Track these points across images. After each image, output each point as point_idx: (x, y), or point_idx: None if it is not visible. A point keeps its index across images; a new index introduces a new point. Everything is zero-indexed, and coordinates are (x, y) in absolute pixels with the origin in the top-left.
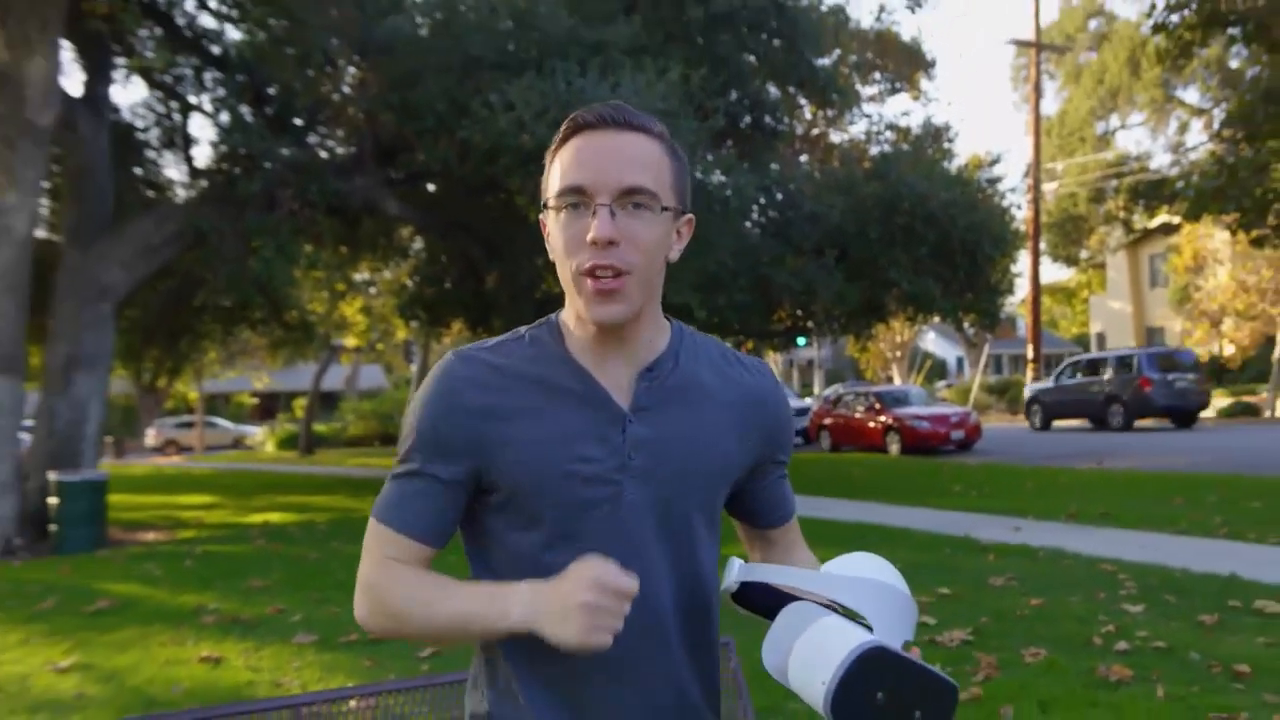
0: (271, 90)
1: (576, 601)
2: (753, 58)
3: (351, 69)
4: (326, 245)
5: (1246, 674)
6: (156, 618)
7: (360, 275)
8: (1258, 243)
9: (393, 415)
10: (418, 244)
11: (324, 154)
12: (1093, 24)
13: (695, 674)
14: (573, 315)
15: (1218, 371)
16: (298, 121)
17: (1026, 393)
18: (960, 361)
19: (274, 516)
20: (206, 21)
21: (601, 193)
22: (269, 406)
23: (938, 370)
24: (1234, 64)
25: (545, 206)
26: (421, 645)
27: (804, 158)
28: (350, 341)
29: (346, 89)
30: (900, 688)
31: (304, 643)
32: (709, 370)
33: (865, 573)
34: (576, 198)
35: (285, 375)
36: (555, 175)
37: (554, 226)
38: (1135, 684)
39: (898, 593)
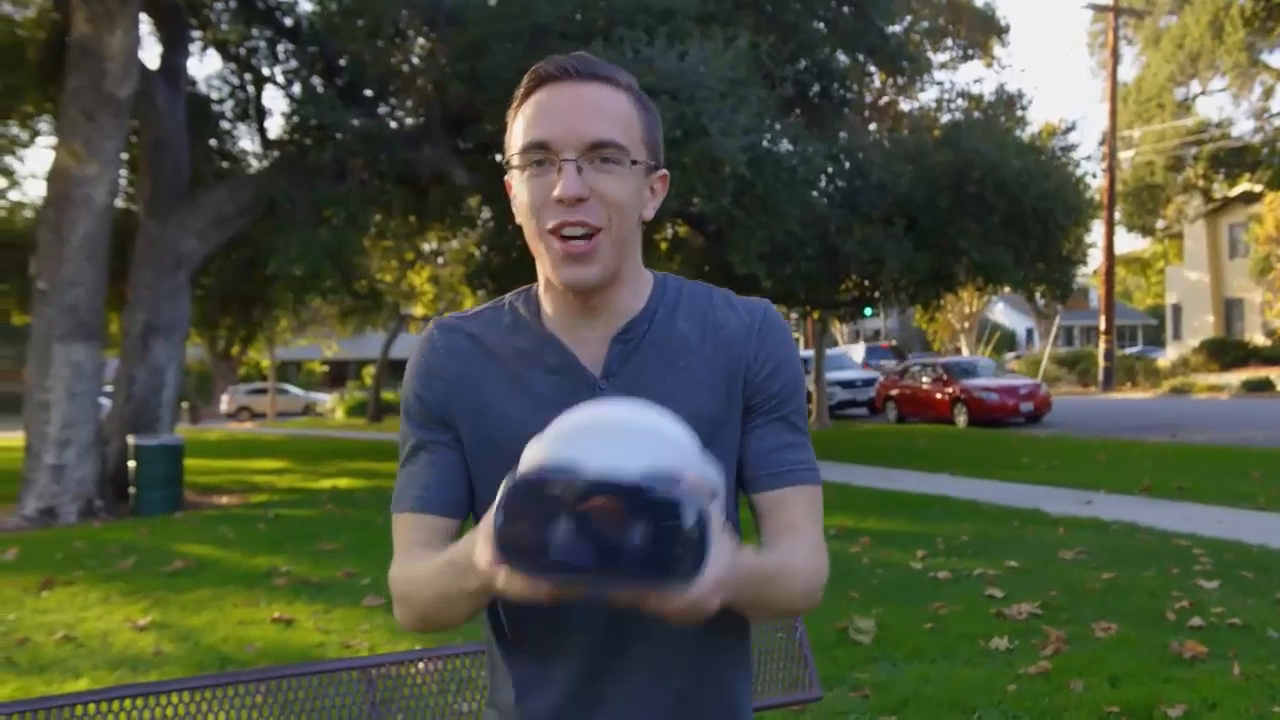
0: (342, 62)
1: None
2: (822, 25)
3: (420, 40)
4: (395, 214)
5: None
6: (230, 579)
7: (428, 244)
8: None
9: None
10: (486, 213)
11: (393, 124)
12: None
13: (695, 658)
14: (545, 285)
15: None
16: (368, 92)
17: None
18: (1030, 333)
19: (343, 482)
20: None
21: (567, 148)
22: (339, 374)
23: (1007, 341)
24: None
25: (508, 166)
26: None
27: (873, 126)
28: (419, 310)
29: (415, 60)
30: (590, 507)
31: (372, 606)
32: (690, 322)
33: (575, 419)
34: (541, 154)
35: (355, 343)
36: (518, 132)
37: (518, 186)
38: (1210, 661)
39: (611, 425)
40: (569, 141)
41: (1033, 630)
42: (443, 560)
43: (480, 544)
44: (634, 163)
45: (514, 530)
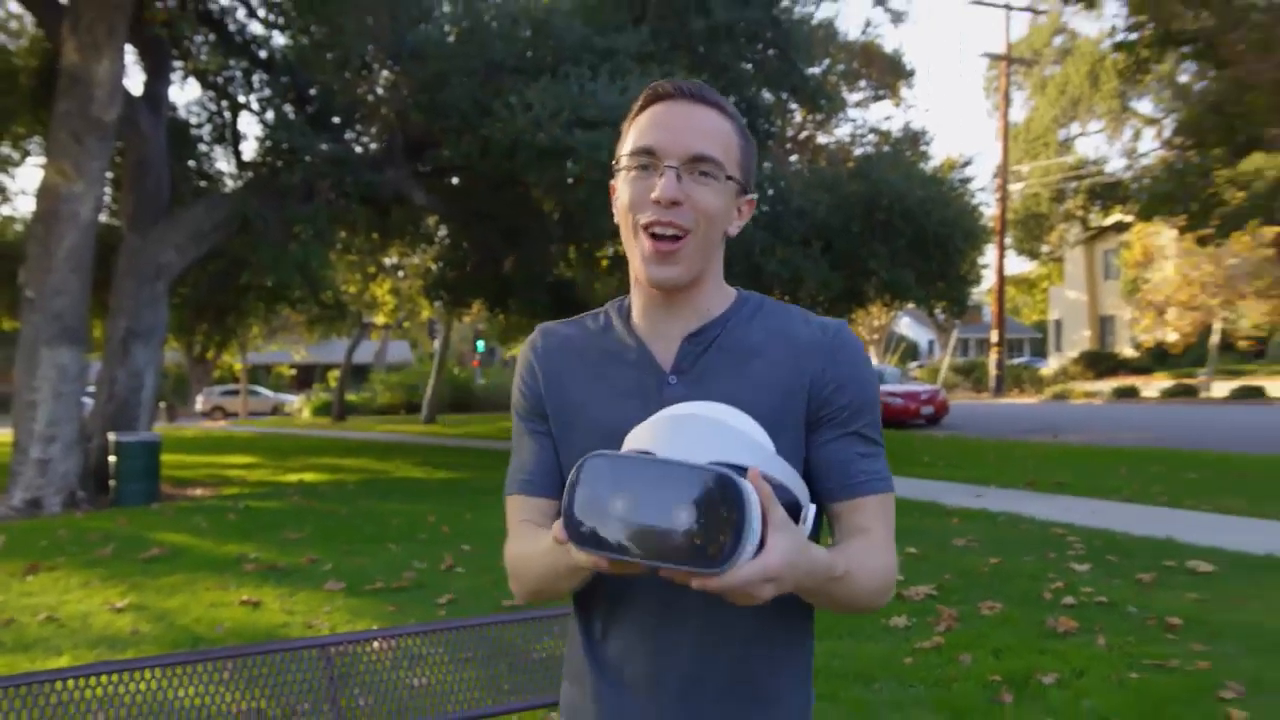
0: (312, 91)
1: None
2: (749, 65)
3: (385, 72)
4: (359, 232)
5: (1178, 625)
6: (203, 565)
7: (390, 259)
8: (1202, 241)
9: (418, 386)
10: (442, 231)
11: (358, 149)
12: (1057, 40)
13: (746, 635)
14: (638, 288)
15: (1162, 356)
16: (335, 119)
17: None
18: (931, 344)
19: (309, 476)
20: (255, 28)
21: (670, 156)
22: (306, 377)
23: (911, 352)
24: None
25: (616, 169)
26: (440, 593)
27: (794, 158)
28: (380, 319)
29: (380, 90)
30: (643, 489)
31: (333, 590)
32: (764, 332)
33: (668, 411)
34: (647, 159)
35: (321, 349)
36: (629, 139)
37: (622, 184)
38: (1079, 635)
39: (693, 419)
40: (673, 150)
41: (928, 609)
42: (548, 542)
43: (556, 525)
44: (728, 178)
45: (577, 506)
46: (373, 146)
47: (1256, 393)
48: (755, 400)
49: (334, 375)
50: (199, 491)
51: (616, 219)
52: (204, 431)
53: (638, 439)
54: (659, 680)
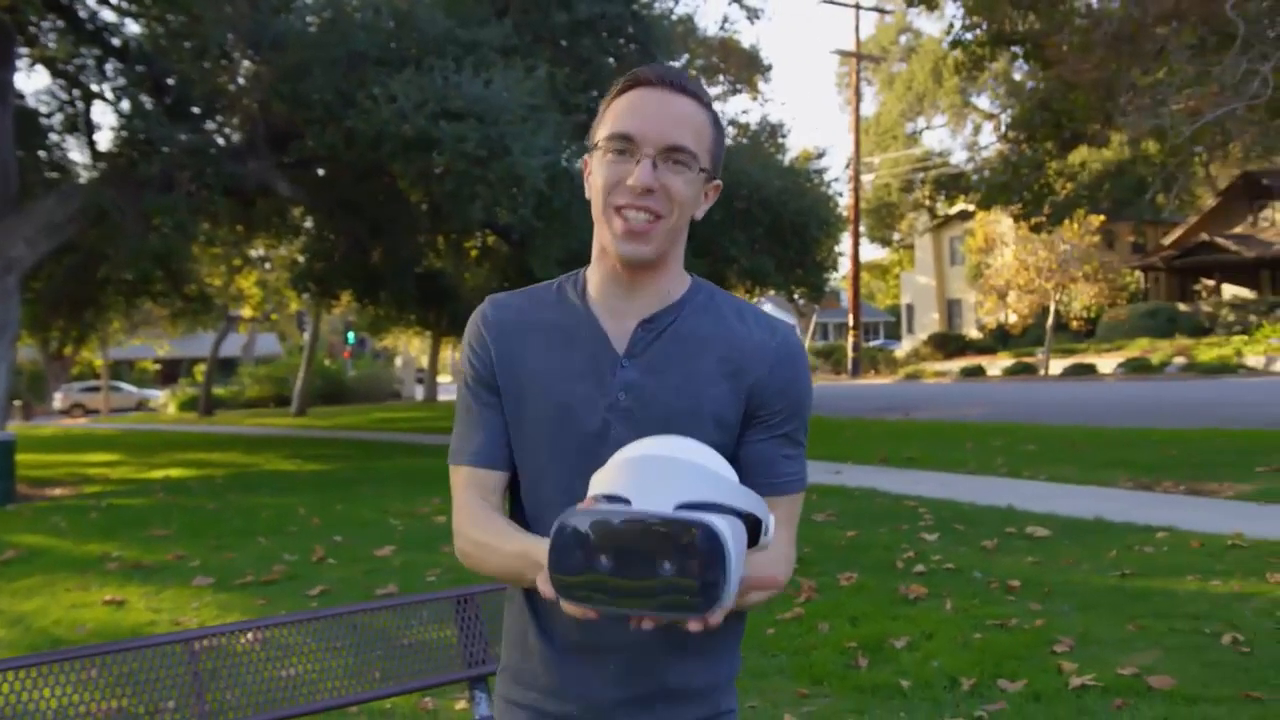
0: (170, 80)
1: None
2: (611, 59)
3: (246, 62)
4: (223, 223)
5: (1017, 588)
6: (62, 566)
7: (255, 251)
8: (1036, 229)
9: (287, 379)
10: (308, 223)
11: (220, 140)
12: (903, 39)
13: (665, 642)
14: (599, 265)
15: (1004, 337)
16: (195, 109)
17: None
18: (792, 329)
19: (175, 472)
20: (107, 15)
21: (647, 144)
22: (171, 372)
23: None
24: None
25: (593, 147)
26: (311, 585)
27: None
28: (247, 312)
29: (241, 80)
30: (625, 544)
31: (202, 585)
32: (714, 324)
33: (624, 454)
34: (624, 144)
35: (186, 343)
36: (607, 121)
37: (597, 166)
38: (929, 600)
39: (656, 460)
40: (651, 139)
41: (790, 583)
42: (518, 549)
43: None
44: (701, 170)
45: (562, 567)
46: (235, 137)
47: (1088, 369)
48: (701, 392)
49: (200, 369)
50: (58, 491)
51: (588, 194)
52: (63, 429)
53: (606, 482)
54: (608, 644)
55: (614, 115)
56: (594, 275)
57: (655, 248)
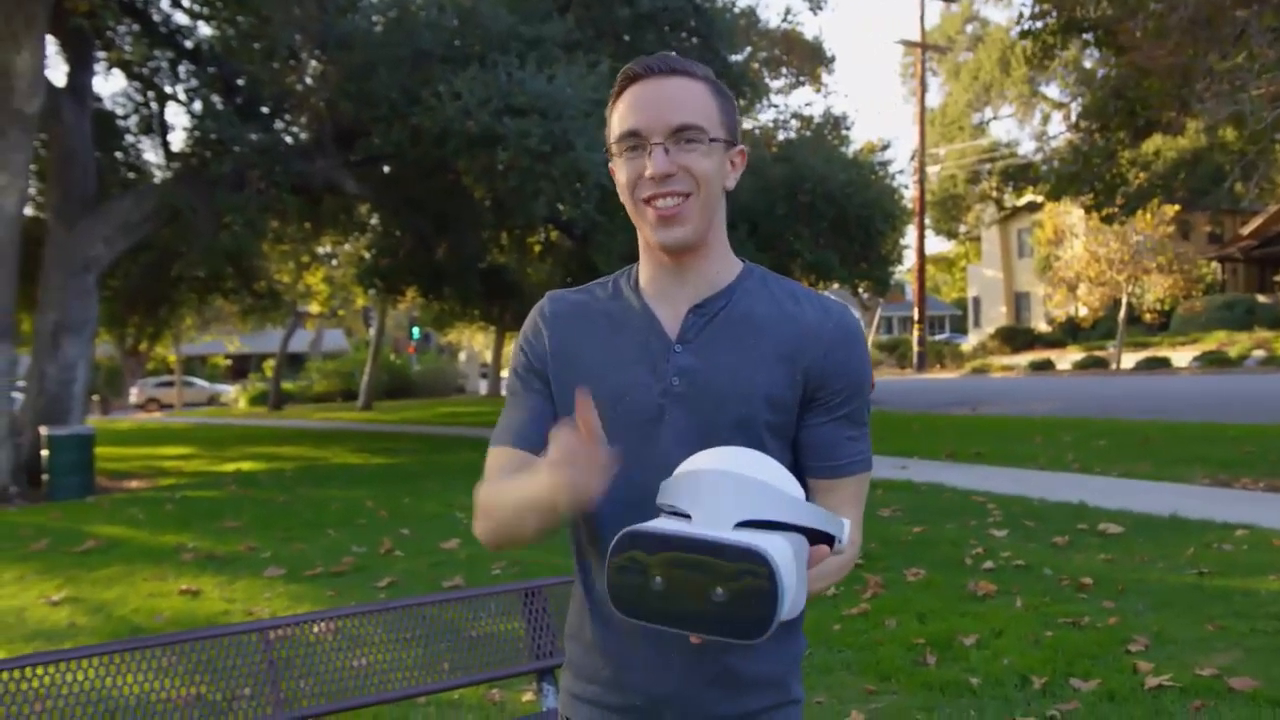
0: (240, 81)
1: (549, 464)
2: (673, 54)
3: (313, 61)
4: (291, 221)
5: (1089, 585)
6: (140, 556)
7: (323, 248)
8: (1107, 220)
9: (353, 373)
10: (374, 219)
11: (288, 139)
12: (969, 28)
13: None
14: (647, 256)
15: (1074, 330)
16: (264, 109)
17: None
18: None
19: (246, 465)
20: (180, 18)
21: (655, 133)
22: (241, 367)
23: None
24: (1088, 64)
25: (610, 155)
26: (379, 576)
27: None
28: (314, 308)
29: (308, 80)
30: (680, 566)
31: (273, 576)
32: (768, 306)
33: (690, 465)
34: (634, 141)
35: (255, 339)
36: (614, 125)
37: (618, 169)
38: (998, 597)
39: (719, 475)
40: (656, 128)
41: (855, 578)
42: (522, 496)
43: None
44: (713, 140)
45: (617, 581)
46: (302, 136)
47: (1162, 363)
48: (757, 374)
49: (269, 365)
50: (135, 483)
51: (621, 198)
52: (139, 424)
53: (670, 493)
54: (668, 634)
55: (618, 117)
56: (644, 268)
57: (693, 227)
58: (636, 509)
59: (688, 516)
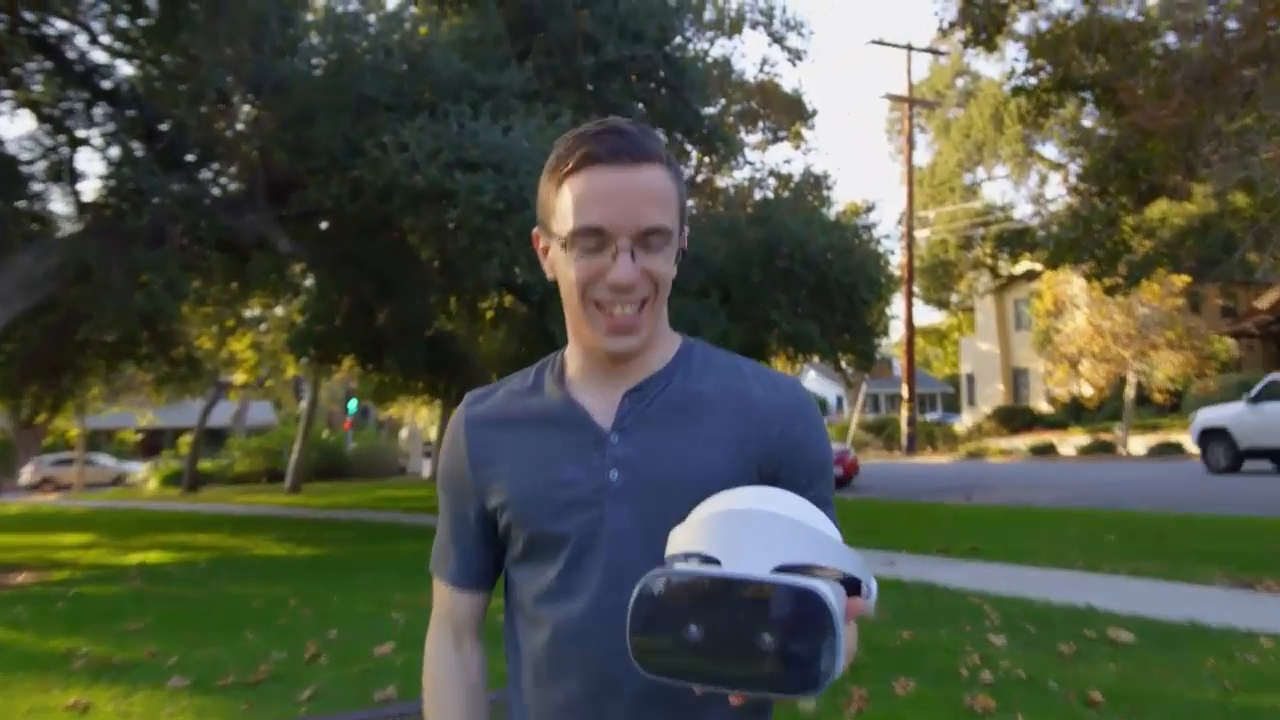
0: (163, 126)
1: None
2: (641, 105)
3: (245, 106)
4: (216, 281)
5: (1099, 702)
6: (21, 664)
7: (250, 311)
8: (1110, 290)
9: (281, 452)
10: (309, 281)
11: (215, 190)
12: (960, 82)
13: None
14: (577, 346)
15: (1077, 410)
16: (189, 157)
17: None
18: (840, 400)
19: (153, 556)
20: (98, 56)
21: (622, 235)
22: (153, 443)
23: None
24: (1087, 122)
25: (551, 234)
26: (301, 687)
27: (690, 202)
28: (239, 378)
29: (240, 126)
30: (719, 612)
31: (178, 687)
32: (714, 385)
33: (710, 508)
34: (595, 240)
35: (171, 411)
36: (567, 208)
37: (564, 262)
38: (998, 714)
39: (749, 515)
40: (625, 229)
41: (838, 689)
42: None
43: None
44: (675, 237)
45: (645, 635)
46: (231, 187)
47: (1174, 448)
48: (706, 459)
49: (186, 441)
50: (22, 577)
51: (549, 274)
52: (31, 507)
53: (688, 540)
54: None
55: (576, 202)
56: (574, 359)
57: (645, 334)
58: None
59: (715, 562)
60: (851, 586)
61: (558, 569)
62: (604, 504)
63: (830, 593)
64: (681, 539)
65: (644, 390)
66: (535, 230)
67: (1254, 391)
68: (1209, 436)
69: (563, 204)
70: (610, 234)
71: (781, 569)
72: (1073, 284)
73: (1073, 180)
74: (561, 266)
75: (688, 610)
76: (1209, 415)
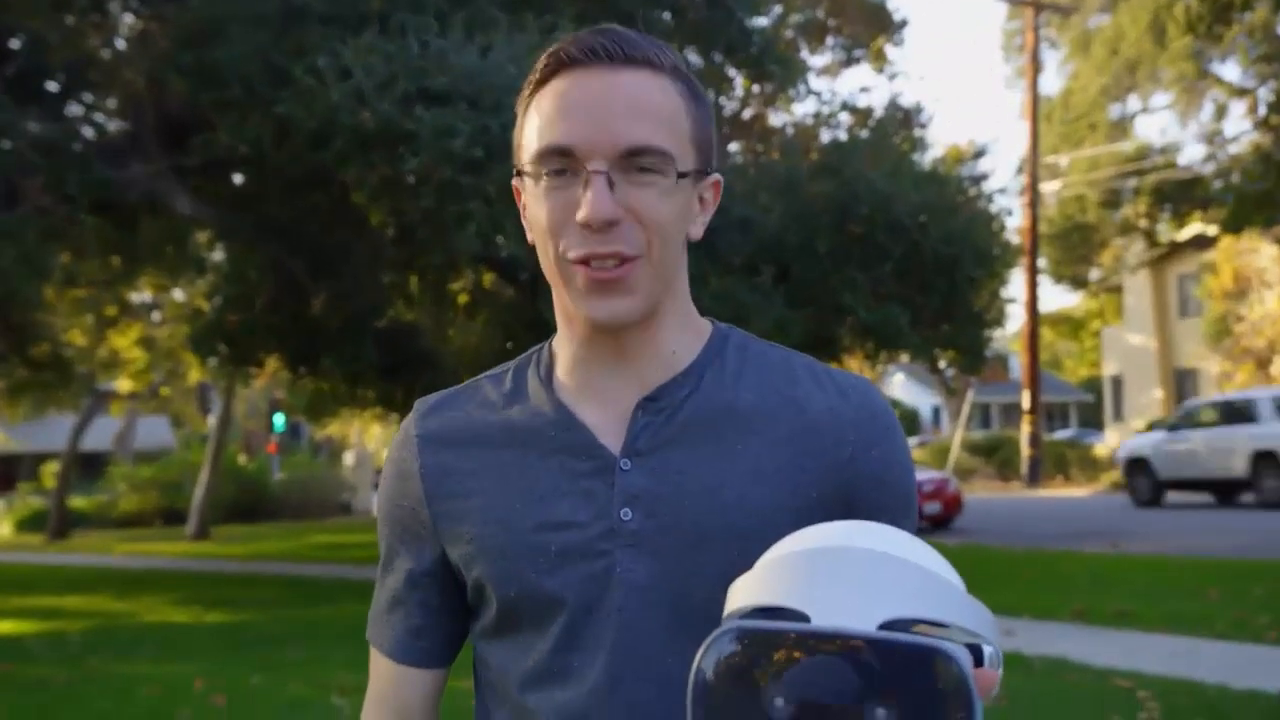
0: (14, 43)
1: None
2: (667, 14)
3: (128, 16)
4: (91, 255)
5: None
6: None
7: (139, 296)
8: None
9: (181, 485)
10: (218, 254)
11: (88, 131)
12: None
13: None
14: (567, 332)
15: None
16: (51, 86)
17: None
18: (937, 412)
19: (5, 626)
20: None
21: (595, 156)
22: (6, 474)
23: (908, 423)
24: None
25: (518, 172)
26: None
27: (733, 146)
28: (124, 385)
29: (121, 44)
30: (813, 679)
31: None
32: (758, 391)
33: (794, 545)
34: (562, 162)
35: (31, 430)
36: (531, 129)
37: (532, 198)
38: None
39: (843, 555)
40: (599, 147)
41: None
42: None
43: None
44: (681, 175)
45: (716, 713)
46: (111, 127)
47: None
48: (752, 494)
49: (50, 470)
50: None
51: (530, 238)
52: None
53: (759, 590)
54: None
55: (541, 119)
56: (563, 350)
57: (638, 299)
58: None
59: (804, 618)
60: (973, 654)
61: (549, 643)
62: (613, 554)
63: (965, 658)
64: (745, 591)
65: (662, 398)
66: (514, 182)
67: (1172, 419)
68: (1133, 467)
69: (528, 128)
70: (581, 156)
71: (889, 625)
72: (1260, 254)
73: (1262, 111)
74: (530, 211)
75: (772, 677)
76: (1132, 445)
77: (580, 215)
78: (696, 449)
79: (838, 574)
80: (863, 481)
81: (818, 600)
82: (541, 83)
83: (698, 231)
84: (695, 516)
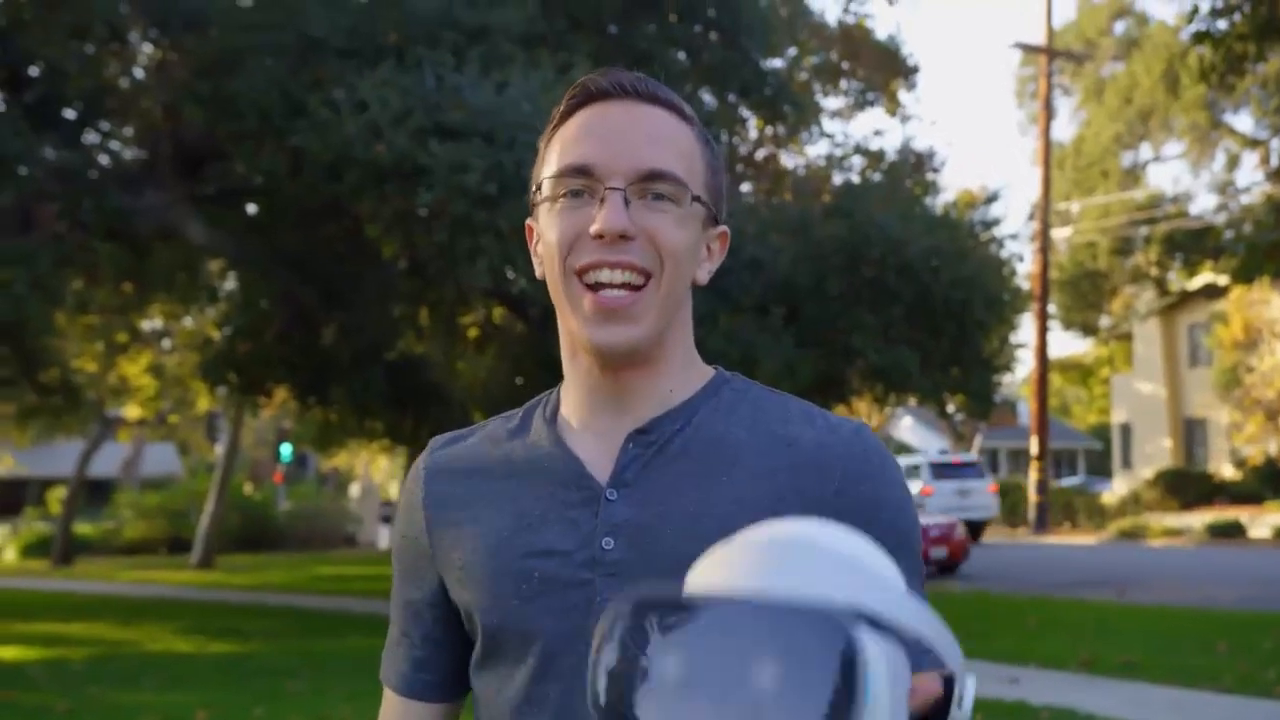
0: (34, 70)
1: None
2: (683, 54)
3: (147, 46)
4: (104, 281)
5: None
6: None
7: (150, 323)
8: None
9: (187, 513)
10: (230, 283)
11: (104, 159)
12: (1119, 27)
13: None
14: (574, 370)
15: (1275, 478)
16: (69, 114)
17: None
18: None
19: (9, 652)
20: None
21: (613, 174)
22: (13, 499)
23: (914, 468)
24: None
25: (534, 204)
26: None
27: (746, 187)
28: (132, 412)
29: (139, 73)
30: (699, 640)
31: None
32: (750, 428)
33: (749, 535)
34: (580, 182)
35: (38, 455)
36: (552, 157)
37: (546, 220)
38: None
39: (781, 546)
40: (617, 167)
41: None
42: None
43: None
44: (695, 199)
45: (603, 678)
46: (126, 155)
47: None
48: (728, 525)
49: (57, 496)
50: None
51: (539, 269)
52: None
53: (702, 583)
54: None
55: (562, 145)
56: (569, 390)
57: (646, 327)
58: None
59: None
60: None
61: (527, 673)
62: (594, 583)
63: (873, 647)
64: (696, 579)
65: (653, 431)
66: (529, 221)
67: None
68: None
69: (550, 157)
70: (599, 175)
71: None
72: (1271, 305)
73: (1275, 162)
74: (543, 234)
75: (663, 640)
76: None
77: (594, 227)
78: (682, 480)
79: (787, 563)
80: (850, 518)
81: (760, 583)
82: (566, 114)
83: (704, 277)
84: (675, 545)
